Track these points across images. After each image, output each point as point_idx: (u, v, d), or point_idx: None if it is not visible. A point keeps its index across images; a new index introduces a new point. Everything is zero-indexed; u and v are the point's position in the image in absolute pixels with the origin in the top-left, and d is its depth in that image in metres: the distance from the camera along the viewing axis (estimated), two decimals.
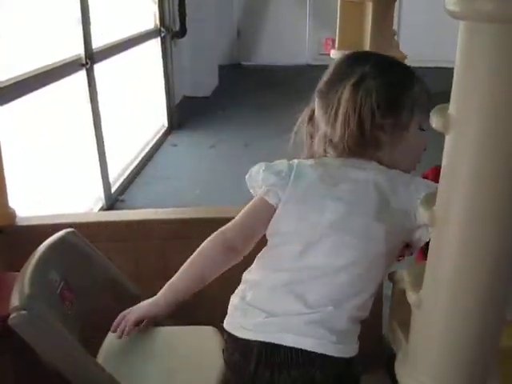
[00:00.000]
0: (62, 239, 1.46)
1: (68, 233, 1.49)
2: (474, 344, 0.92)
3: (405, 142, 1.22)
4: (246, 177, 1.30)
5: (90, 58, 3.53)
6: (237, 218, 1.31)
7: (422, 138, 1.25)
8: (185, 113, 6.14)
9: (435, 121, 0.88)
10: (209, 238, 1.32)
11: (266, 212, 1.25)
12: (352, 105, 1.15)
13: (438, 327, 0.94)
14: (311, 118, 1.29)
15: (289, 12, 9.57)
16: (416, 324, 1.00)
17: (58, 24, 3.32)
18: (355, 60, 1.24)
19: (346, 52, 1.28)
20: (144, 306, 1.38)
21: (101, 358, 1.42)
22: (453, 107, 0.85)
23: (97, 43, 3.68)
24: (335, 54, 1.71)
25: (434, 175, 1.91)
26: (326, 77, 1.25)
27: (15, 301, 1.19)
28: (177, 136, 5.73)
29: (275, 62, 9.49)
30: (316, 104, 1.26)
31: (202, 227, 1.79)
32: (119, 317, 1.40)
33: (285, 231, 1.24)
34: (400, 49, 1.74)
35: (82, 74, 3.49)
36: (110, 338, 1.52)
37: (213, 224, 1.73)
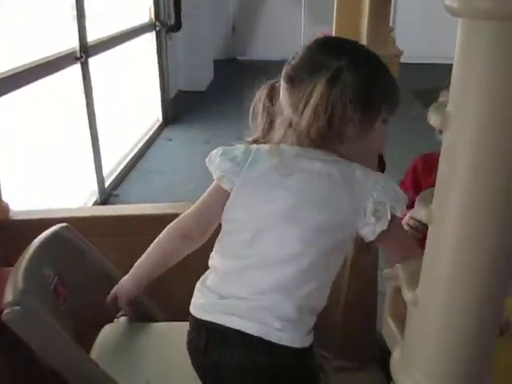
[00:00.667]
0: (55, 234, 1.45)
1: (62, 227, 1.48)
2: (471, 341, 0.92)
3: (370, 136, 1.20)
4: (206, 160, 1.28)
5: (85, 52, 3.51)
6: (195, 203, 1.33)
7: (385, 133, 1.24)
8: (180, 107, 6.12)
9: (433, 118, 0.87)
10: (167, 226, 1.35)
11: (220, 198, 1.26)
12: (325, 100, 1.12)
13: (434, 325, 0.93)
14: (270, 96, 1.28)
15: (284, 7, 9.55)
16: (412, 321, 1.00)
17: (52, 17, 3.30)
18: (330, 50, 1.20)
19: (320, 40, 1.25)
20: (118, 285, 1.42)
21: (94, 353, 1.41)
22: (451, 104, 0.84)
23: (91, 37, 3.66)
24: None
25: (423, 163, 1.91)
26: (296, 62, 1.22)
27: (9, 296, 1.19)
28: (171, 130, 5.71)
29: (270, 57, 9.45)
30: (282, 87, 1.23)
31: None
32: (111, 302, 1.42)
33: (235, 218, 1.24)
34: (396, 45, 1.73)
35: (76, 68, 3.47)
36: (104, 334, 1.52)
37: None
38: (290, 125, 1.20)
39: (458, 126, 0.83)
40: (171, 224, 1.35)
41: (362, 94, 1.15)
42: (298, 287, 1.19)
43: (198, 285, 1.28)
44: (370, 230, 1.18)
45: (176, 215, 1.91)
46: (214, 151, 1.28)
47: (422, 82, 6.99)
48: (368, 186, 1.17)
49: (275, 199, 1.19)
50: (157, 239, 1.36)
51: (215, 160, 1.26)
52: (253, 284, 1.19)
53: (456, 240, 0.88)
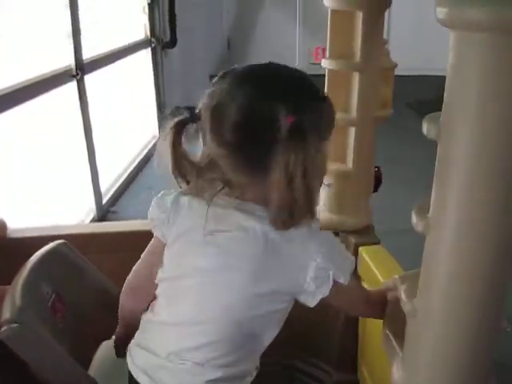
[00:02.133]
0: (53, 251, 1.45)
1: (59, 244, 1.48)
2: (470, 352, 0.92)
3: (319, 165, 1.06)
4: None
5: (81, 69, 3.52)
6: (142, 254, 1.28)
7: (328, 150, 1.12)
8: None
9: (427, 129, 0.88)
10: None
11: (157, 246, 1.20)
12: (284, 167, 0.98)
13: (433, 335, 0.93)
14: (179, 139, 1.10)
15: (278, 22, 9.60)
16: (411, 332, 1.00)
17: (48, 35, 3.32)
18: (269, 97, 1.02)
19: (251, 78, 1.08)
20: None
21: (92, 370, 1.40)
22: (445, 116, 0.85)
23: (87, 54, 3.67)
24: (326, 63, 1.71)
25: None
26: (232, 118, 1.03)
27: (6, 313, 1.18)
28: None
29: None
30: (223, 153, 1.05)
31: None
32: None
33: (163, 277, 1.18)
34: (390, 57, 1.74)
35: (72, 85, 3.48)
36: (102, 350, 1.51)
37: None
38: (229, 182, 1.07)
39: (452, 138, 0.84)
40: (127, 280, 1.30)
41: (319, 133, 1.04)
42: (212, 355, 1.11)
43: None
44: (309, 298, 1.09)
45: None
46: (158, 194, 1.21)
47: (416, 94, 7.04)
48: (311, 249, 1.06)
49: (200, 258, 1.11)
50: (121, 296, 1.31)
51: (151, 205, 1.20)
52: (168, 343, 1.14)
53: (453, 249, 0.88)
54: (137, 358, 1.18)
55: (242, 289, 1.08)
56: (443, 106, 0.86)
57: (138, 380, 1.15)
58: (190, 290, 1.12)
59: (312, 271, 1.06)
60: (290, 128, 0.98)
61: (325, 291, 1.08)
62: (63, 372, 1.22)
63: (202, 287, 1.11)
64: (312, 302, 1.10)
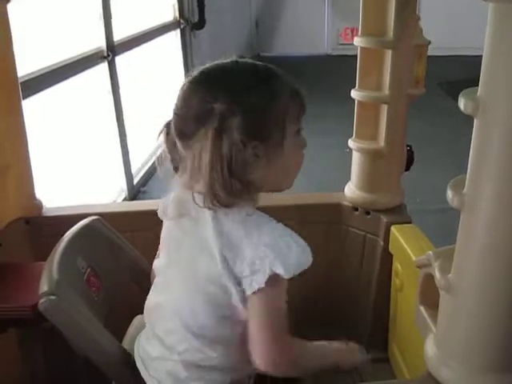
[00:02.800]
0: (88, 226, 1.47)
1: (94, 220, 1.50)
2: (505, 327, 0.92)
3: (282, 157, 1.07)
4: None
5: (112, 51, 3.55)
6: None
7: (299, 144, 1.12)
8: None
9: (463, 104, 0.87)
10: None
11: None
12: (218, 155, 1.00)
13: (467, 310, 0.94)
14: (173, 145, 1.12)
15: (307, 3, 9.52)
16: (445, 308, 1.00)
17: (80, 17, 3.35)
18: (207, 89, 1.04)
19: (193, 75, 1.08)
20: None
21: (125, 344, 1.43)
22: (482, 90, 0.85)
23: (118, 36, 3.70)
24: (359, 41, 1.70)
25: None
26: (178, 111, 1.09)
27: (44, 286, 1.21)
28: None
29: (294, 53, 9.45)
30: (179, 144, 1.10)
31: None
32: None
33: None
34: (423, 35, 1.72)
35: (103, 67, 3.51)
36: (135, 325, 1.54)
37: None
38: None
39: (490, 112, 0.84)
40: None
41: (254, 127, 1.02)
42: (182, 347, 1.15)
43: None
44: (248, 283, 1.03)
45: None
46: None
47: (445, 75, 6.94)
48: (255, 236, 1.05)
49: (168, 269, 1.20)
50: None
51: None
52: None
53: (488, 224, 0.88)
54: (136, 345, 1.27)
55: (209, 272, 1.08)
56: (480, 80, 0.85)
57: (137, 365, 1.23)
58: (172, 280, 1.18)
59: (250, 256, 1.03)
60: (220, 118, 1.00)
61: (260, 279, 1.02)
62: (99, 344, 1.24)
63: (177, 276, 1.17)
64: (250, 288, 1.03)
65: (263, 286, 1.01)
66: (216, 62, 1.10)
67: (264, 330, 1.04)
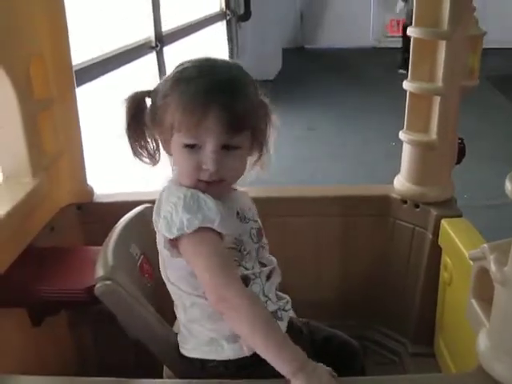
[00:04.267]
0: (140, 214, 1.50)
1: (146, 208, 1.52)
2: None
3: (173, 158, 1.18)
4: None
5: (160, 41, 3.60)
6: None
7: (190, 158, 1.11)
8: None
9: None
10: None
11: None
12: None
13: None
14: None
15: None
16: (500, 302, 0.99)
17: (130, 8, 3.40)
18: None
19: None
20: None
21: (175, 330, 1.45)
22: None
23: (166, 26, 3.74)
24: (412, 32, 1.68)
25: None
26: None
27: (100, 271, 1.24)
28: None
29: (339, 45, 9.40)
30: None
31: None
32: None
33: None
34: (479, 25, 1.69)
35: (152, 57, 3.56)
36: None
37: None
38: None
39: None
40: None
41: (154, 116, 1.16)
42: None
43: None
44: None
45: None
46: None
47: (496, 68, 6.80)
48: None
49: None
50: None
51: None
52: None
53: None
54: None
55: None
56: None
57: None
58: None
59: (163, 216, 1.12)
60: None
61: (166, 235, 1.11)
62: (152, 329, 1.27)
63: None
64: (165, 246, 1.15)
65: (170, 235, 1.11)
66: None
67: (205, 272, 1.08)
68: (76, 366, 1.82)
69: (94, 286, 1.25)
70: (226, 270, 1.07)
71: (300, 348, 1.03)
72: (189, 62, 1.14)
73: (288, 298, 1.28)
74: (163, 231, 1.12)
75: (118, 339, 1.42)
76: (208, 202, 1.09)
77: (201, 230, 1.07)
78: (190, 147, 1.09)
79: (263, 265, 1.21)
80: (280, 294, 1.27)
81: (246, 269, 1.17)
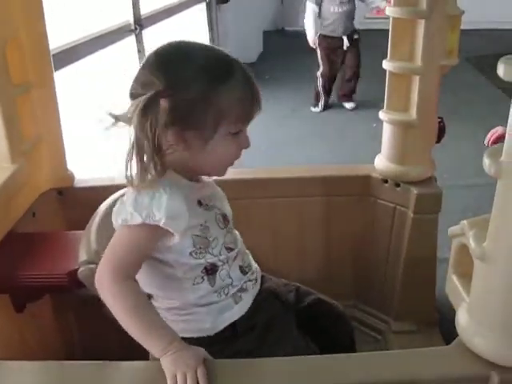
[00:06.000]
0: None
1: None
2: None
3: (208, 151, 1.11)
4: None
5: (139, 24, 3.56)
6: None
7: (233, 144, 1.13)
8: None
9: (504, 71, 0.87)
10: None
11: None
12: (141, 131, 1.04)
13: (502, 278, 0.94)
14: None
15: None
16: (478, 277, 1.00)
17: None
18: (157, 67, 1.08)
19: (159, 49, 1.11)
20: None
21: None
22: None
23: (145, 9, 3.71)
24: (391, 11, 1.68)
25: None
26: (135, 75, 1.12)
27: (83, 255, 1.24)
28: None
29: None
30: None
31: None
32: None
33: None
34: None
35: (131, 40, 3.52)
36: None
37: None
38: None
39: None
40: None
41: (184, 116, 1.07)
42: None
43: None
44: None
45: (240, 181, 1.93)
46: None
47: (474, 49, 6.82)
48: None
49: None
50: None
51: None
52: None
53: None
54: None
55: None
56: None
57: None
58: None
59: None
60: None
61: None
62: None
63: None
64: None
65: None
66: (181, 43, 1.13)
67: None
68: (61, 351, 1.82)
69: (77, 270, 1.25)
70: (120, 262, 1.10)
71: (173, 329, 1.08)
72: (190, 60, 1.10)
73: (255, 267, 1.31)
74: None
75: (102, 324, 1.42)
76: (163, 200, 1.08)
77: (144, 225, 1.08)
78: (235, 134, 1.12)
79: (230, 249, 1.22)
80: (248, 265, 1.28)
81: (214, 255, 1.19)
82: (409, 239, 1.82)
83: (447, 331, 1.68)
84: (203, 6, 5.56)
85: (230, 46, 6.74)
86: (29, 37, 1.66)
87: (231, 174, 1.22)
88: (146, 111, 1.03)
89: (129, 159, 1.06)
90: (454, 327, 1.10)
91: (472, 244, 0.99)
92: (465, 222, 1.08)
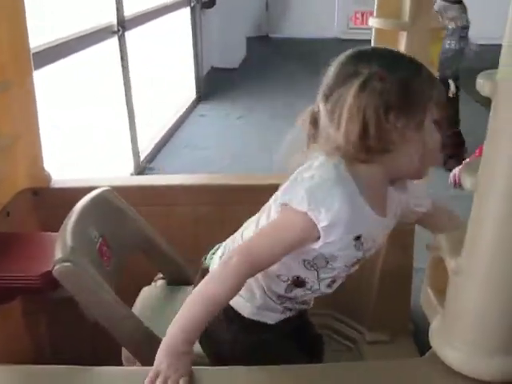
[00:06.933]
0: (99, 196, 1.49)
1: (105, 190, 1.52)
2: None
3: (417, 142, 1.08)
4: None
5: (122, 26, 3.53)
6: None
7: (437, 134, 1.10)
8: (213, 83, 6.14)
9: (482, 85, 0.87)
10: None
11: None
12: (356, 110, 1.04)
13: (476, 292, 0.94)
14: (313, 121, 1.16)
15: None
16: (453, 290, 1.01)
17: None
18: (359, 59, 1.10)
19: (349, 51, 1.14)
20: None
21: (135, 311, 1.44)
22: (501, 72, 0.84)
23: (128, 11, 3.68)
24: (374, 22, 1.69)
25: None
26: (329, 80, 1.12)
27: (58, 253, 1.22)
28: (204, 106, 5.73)
29: (303, 35, 9.40)
30: (321, 109, 1.13)
31: (232, 193, 1.82)
32: None
33: None
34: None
35: (113, 41, 3.50)
36: (143, 295, 1.56)
37: (240, 191, 1.77)
38: (333, 145, 1.11)
39: (507, 94, 0.83)
40: None
41: (398, 100, 1.05)
42: None
43: None
44: None
45: (208, 186, 1.93)
46: None
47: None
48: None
49: None
50: None
51: None
52: None
53: (501, 209, 0.88)
54: None
55: None
56: (500, 62, 0.85)
57: None
58: None
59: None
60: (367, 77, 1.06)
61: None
62: (112, 310, 1.26)
63: None
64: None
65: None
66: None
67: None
68: (30, 355, 1.79)
69: (50, 271, 1.23)
70: (262, 248, 1.10)
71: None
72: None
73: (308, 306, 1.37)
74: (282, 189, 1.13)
75: (74, 328, 1.40)
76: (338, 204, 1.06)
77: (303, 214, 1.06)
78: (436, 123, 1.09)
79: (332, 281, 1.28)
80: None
81: (315, 279, 1.22)
82: (385, 250, 1.83)
83: (422, 342, 1.68)
84: (188, 9, 5.53)
85: (213, 51, 6.76)
86: (9, 34, 1.64)
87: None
88: (364, 86, 1.04)
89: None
90: (429, 338, 1.10)
91: (447, 258, 1.00)
92: (441, 235, 1.08)
